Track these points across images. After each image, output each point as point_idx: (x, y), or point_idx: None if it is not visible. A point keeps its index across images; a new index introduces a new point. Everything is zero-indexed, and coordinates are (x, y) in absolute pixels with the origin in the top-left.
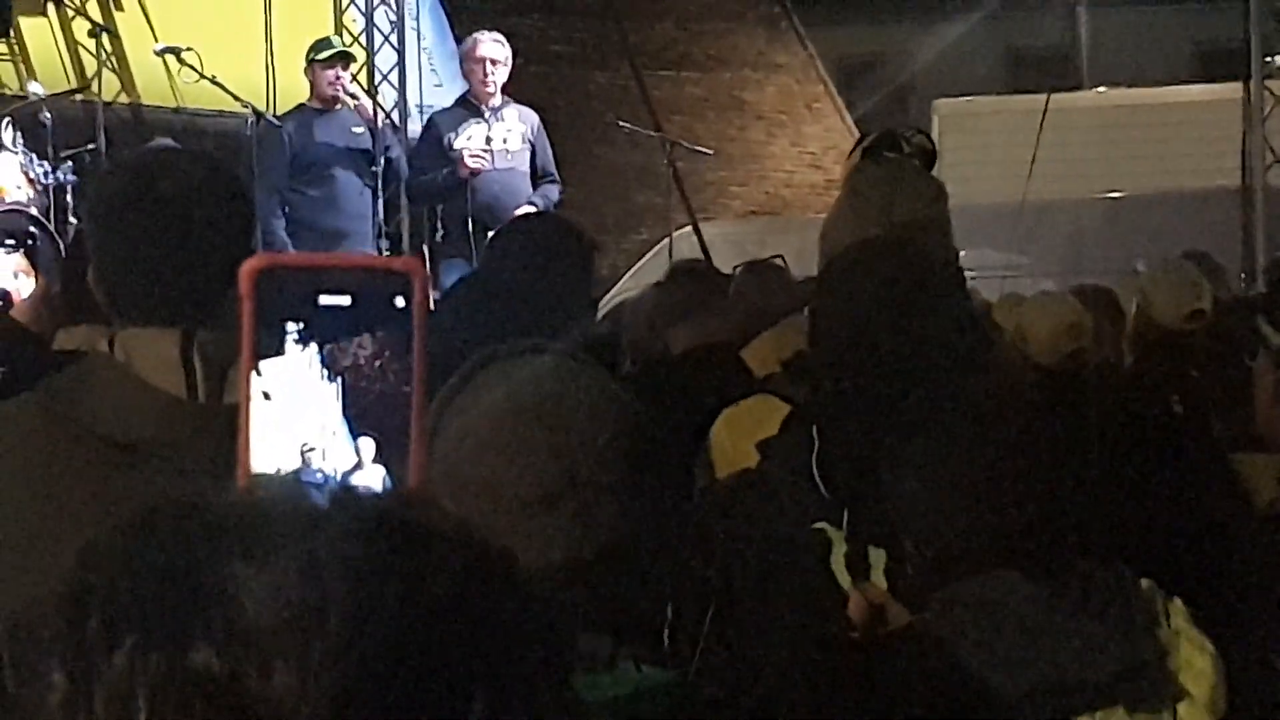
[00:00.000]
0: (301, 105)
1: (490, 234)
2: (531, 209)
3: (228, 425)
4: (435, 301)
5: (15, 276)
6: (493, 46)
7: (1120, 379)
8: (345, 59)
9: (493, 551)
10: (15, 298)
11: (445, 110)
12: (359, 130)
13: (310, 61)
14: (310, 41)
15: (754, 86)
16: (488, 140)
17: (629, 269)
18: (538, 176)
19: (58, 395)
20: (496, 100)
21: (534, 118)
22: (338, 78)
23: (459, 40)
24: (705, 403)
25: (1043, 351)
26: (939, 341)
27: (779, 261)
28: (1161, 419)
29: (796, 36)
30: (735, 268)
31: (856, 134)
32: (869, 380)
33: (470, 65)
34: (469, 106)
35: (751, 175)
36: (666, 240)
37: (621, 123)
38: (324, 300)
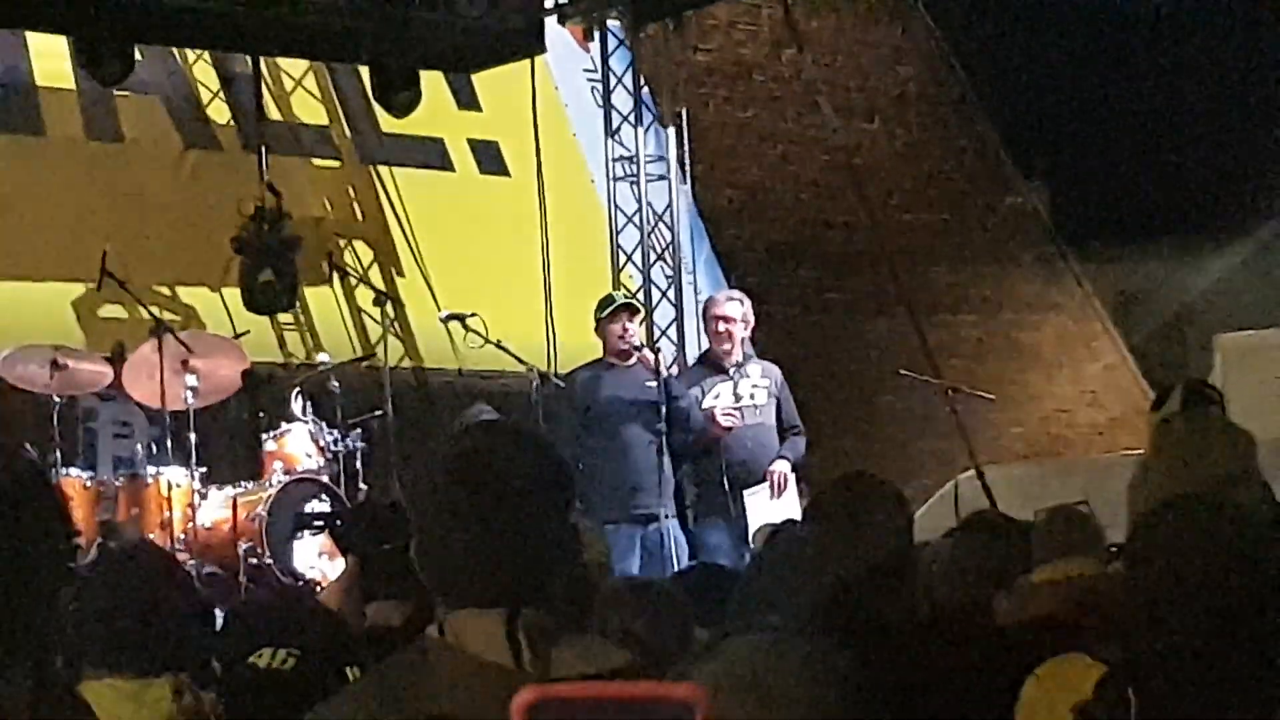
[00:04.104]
0: (596, 360)
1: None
2: (785, 464)
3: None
4: (753, 559)
5: (319, 557)
6: (730, 305)
7: None
8: (630, 310)
9: None
10: (322, 580)
11: (689, 369)
12: (651, 384)
13: (599, 319)
14: (592, 301)
15: (1031, 327)
16: (736, 398)
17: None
18: (783, 429)
19: (394, 680)
20: (739, 356)
21: (776, 371)
22: (625, 329)
23: None
24: (1024, 673)
25: None
26: (1260, 601)
27: (1083, 508)
28: None
29: (1073, 275)
30: (1036, 514)
31: (1137, 371)
32: (1189, 641)
33: (710, 324)
34: (712, 365)
35: (1032, 416)
36: (951, 485)
37: (903, 371)
38: None
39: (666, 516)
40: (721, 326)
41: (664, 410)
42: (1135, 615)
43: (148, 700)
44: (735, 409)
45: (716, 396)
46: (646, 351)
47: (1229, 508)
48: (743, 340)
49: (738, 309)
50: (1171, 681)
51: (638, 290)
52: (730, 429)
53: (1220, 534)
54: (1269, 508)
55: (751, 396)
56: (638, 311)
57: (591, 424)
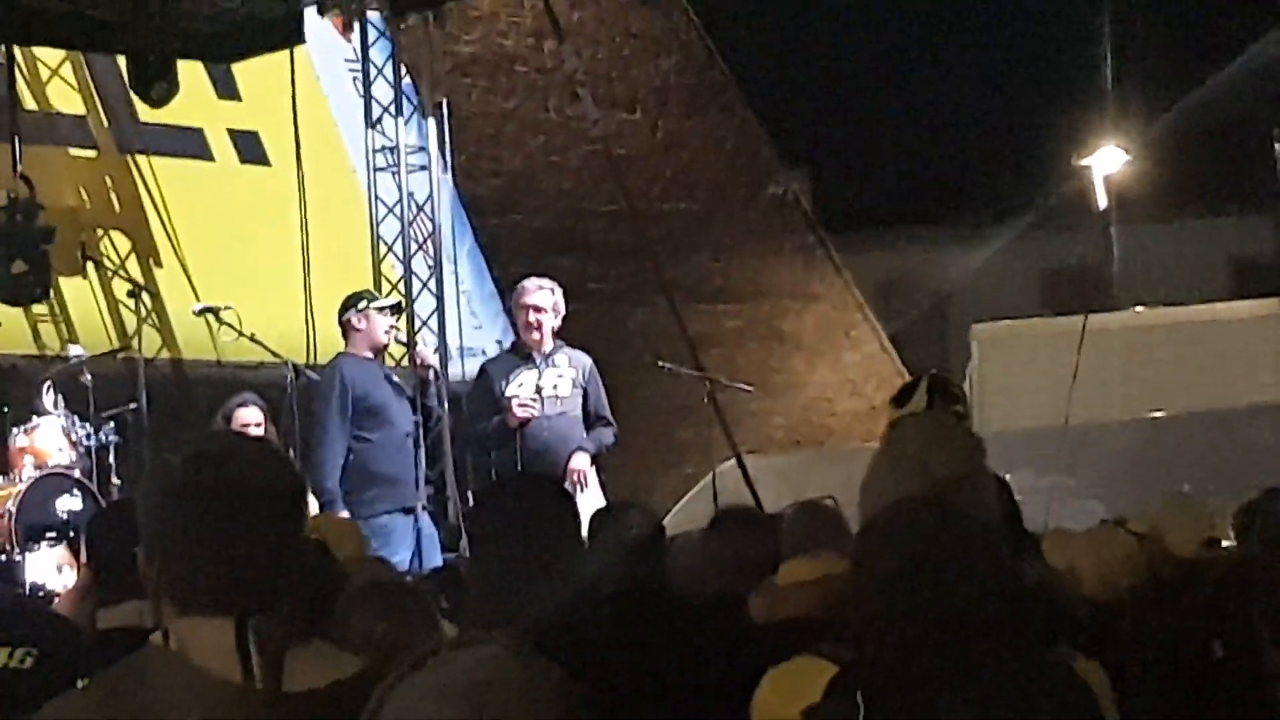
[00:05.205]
0: (345, 353)
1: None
2: (584, 456)
3: (288, 712)
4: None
5: (59, 570)
6: (539, 294)
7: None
8: (398, 309)
9: None
10: (60, 591)
11: (497, 358)
12: (397, 380)
13: (361, 310)
14: (348, 292)
15: (793, 316)
16: (538, 389)
17: (674, 505)
18: (591, 420)
19: (115, 689)
20: (547, 346)
21: (586, 361)
22: (393, 327)
23: (497, 282)
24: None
25: (1096, 587)
26: (982, 603)
27: (829, 502)
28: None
29: (832, 264)
30: (786, 509)
31: (897, 359)
32: (912, 644)
33: (520, 313)
34: (520, 353)
35: (794, 405)
36: (711, 475)
37: (662, 363)
38: None
39: (423, 509)
40: (532, 316)
41: (423, 406)
42: (862, 618)
43: None
44: (534, 399)
45: (520, 386)
46: (419, 348)
47: (953, 512)
48: (553, 330)
49: (548, 298)
50: (896, 684)
51: (399, 281)
52: (526, 420)
53: (942, 539)
54: (1000, 506)
55: (555, 387)
56: (401, 313)
57: (361, 416)
